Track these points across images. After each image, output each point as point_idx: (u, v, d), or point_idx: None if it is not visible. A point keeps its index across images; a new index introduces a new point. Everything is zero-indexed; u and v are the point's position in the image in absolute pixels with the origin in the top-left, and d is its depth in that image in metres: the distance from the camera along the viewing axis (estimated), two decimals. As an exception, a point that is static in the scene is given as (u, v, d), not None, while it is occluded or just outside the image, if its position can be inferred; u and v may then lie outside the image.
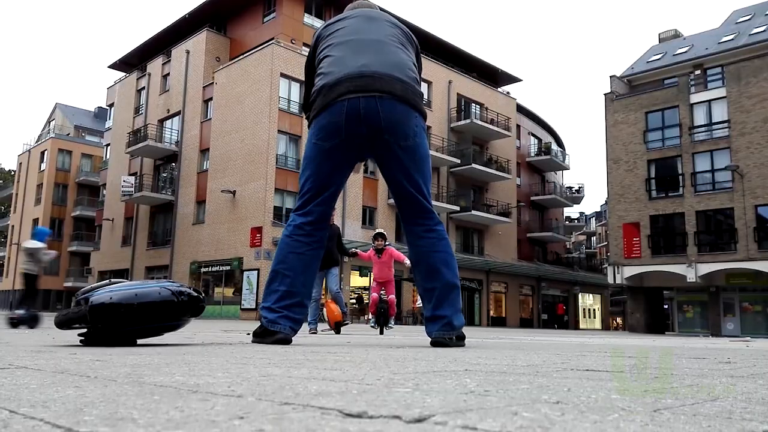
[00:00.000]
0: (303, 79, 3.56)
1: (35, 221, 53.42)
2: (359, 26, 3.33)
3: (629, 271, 31.06)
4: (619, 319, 62.33)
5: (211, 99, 33.80)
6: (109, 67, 43.99)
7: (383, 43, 3.25)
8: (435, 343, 3.15)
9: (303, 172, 3.23)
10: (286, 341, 3.07)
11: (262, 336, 3.09)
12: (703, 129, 30.19)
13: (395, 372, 1.56)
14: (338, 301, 8.08)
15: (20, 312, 9.09)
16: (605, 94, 33.67)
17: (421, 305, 4.10)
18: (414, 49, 3.47)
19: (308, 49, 3.50)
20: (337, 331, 7.81)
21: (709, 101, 30.19)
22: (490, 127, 38.15)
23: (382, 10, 3.63)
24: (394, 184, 3.21)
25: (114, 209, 40.16)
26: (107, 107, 44.96)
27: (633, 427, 0.79)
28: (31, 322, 8.69)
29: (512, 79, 44.36)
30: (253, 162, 29.58)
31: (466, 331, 3.59)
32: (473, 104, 38.95)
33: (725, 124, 29.36)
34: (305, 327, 7.52)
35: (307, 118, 3.42)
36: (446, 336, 3.13)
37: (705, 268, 28.86)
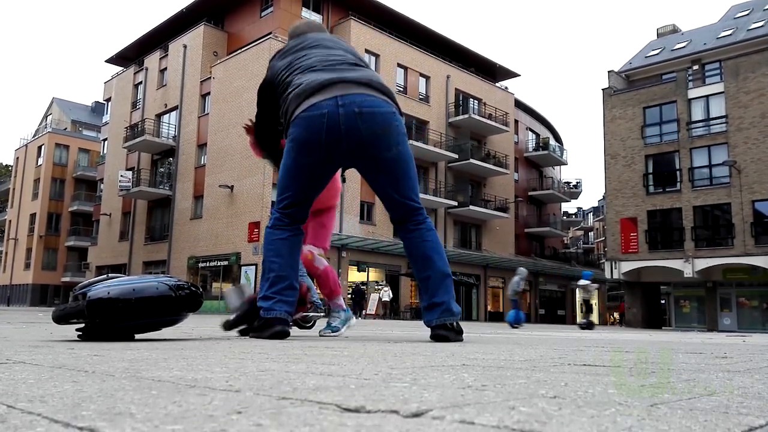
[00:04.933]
0: None
1: (32, 216, 53.33)
2: (320, 53, 3.31)
3: (626, 266, 31.12)
4: (616, 314, 62.48)
5: (208, 94, 33.72)
6: (106, 61, 43.85)
7: (350, 62, 3.27)
8: (436, 332, 3.13)
9: (283, 179, 3.23)
10: (284, 334, 3.07)
11: (260, 330, 3.10)
12: (700, 124, 30.21)
13: (393, 367, 1.56)
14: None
15: (584, 321, 16.18)
16: (603, 90, 33.65)
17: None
18: None
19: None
20: (300, 326, 5.94)
21: (707, 96, 30.20)
22: (488, 122, 38.13)
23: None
24: (381, 193, 3.25)
25: (111, 204, 40.10)
26: (104, 102, 44.83)
27: (630, 421, 0.79)
28: (589, 327, 15.61)
29: (510, 74, 44.30)
30: (251, 157, 29.51)
31: (464, 325, 3.61)
32: (471, 99, 38.91)
33: (723, 120, 29.37)
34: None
35: (260, 144, 3.76)
36: (447, 321, 3.11)
37: (702, 263, 28.93)
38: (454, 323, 3.15)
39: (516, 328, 14.19)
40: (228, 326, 3.78)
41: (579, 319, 17.29)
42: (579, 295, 17.70)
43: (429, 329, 3.22)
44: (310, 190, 3.24)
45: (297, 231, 3.27)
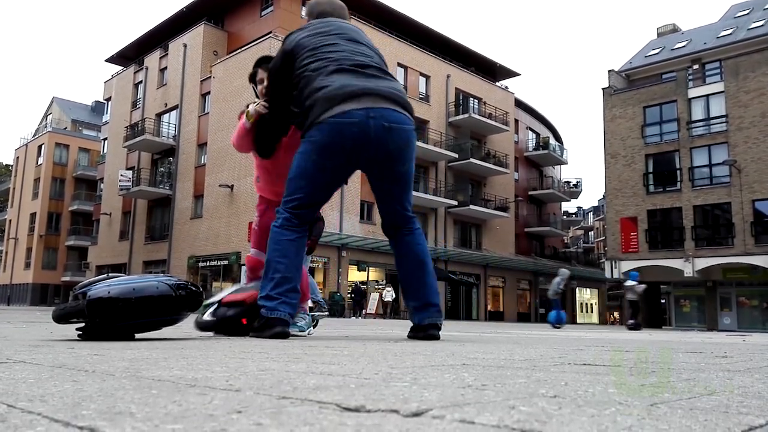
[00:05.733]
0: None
1: (32, 215, 53.34)
2: (347, 47, 3.28)
3: (627, 265, 31.08)
4: (616, 314, 62.52)
5: (208, 93, 33.72)
6: (106, 60, 43.86)
7: (376, 66, 3.29)
8: (429, 332, 3.32)
9: (296, 179, 3.21)
10: (285, 335, 3.07)
11: (260, 330, 3.10)
12: (701, 124, 30.20)
13: (393, 366, 1.56)
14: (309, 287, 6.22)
15: (632, 321, 16.96)
16: (603, 89, 33.64)
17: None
18: None
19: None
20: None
21: (707, 96, 30.18)
22: (488, 121, 38.13)
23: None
24: (385, 200, 3.37)
25: (111, 203, 40.10)
26: (104, 101, 44.85)
27: (630, 420, 0.79)
28: (637, 328, 16.48)
29: (510, 74, 44.30)
30: (251, 156, 29.45)
31: (464, 325, 3.69)
32: (471, 98, 38.90)
33: (723, 119, 29.36)
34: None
35: (260, 133, 3.54)
36: (438, 321, 3.36)
37: (702, 263, 28.92)
38: (440, 324, 3.41)
39: (557, 328, 14.19)
40: (201, 326, 3.71)
41: (627, 320, 18.02)
42: (626, 296, 18.14)
43: (417, 328, 3.38)
44: (324, 192, 3.28)
45: (304, 233, 3.28)
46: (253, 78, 3.83)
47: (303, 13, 33.61)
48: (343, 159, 3.12)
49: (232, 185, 30.35)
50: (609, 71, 34.84)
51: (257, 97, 3.87)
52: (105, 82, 43.74)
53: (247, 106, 3.77)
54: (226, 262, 30.48)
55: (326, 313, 6.92)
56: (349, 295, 30.53)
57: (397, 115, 3.13)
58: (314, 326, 6.21)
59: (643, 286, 18.73)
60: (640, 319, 17.37)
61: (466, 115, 37.06)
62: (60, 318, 2.69)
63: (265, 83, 3.70)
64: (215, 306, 3.69)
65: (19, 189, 56.01)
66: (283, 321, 3.08)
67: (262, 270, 3.38)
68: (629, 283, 18.07)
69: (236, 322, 3.48)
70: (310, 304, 6.36)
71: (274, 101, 3.51)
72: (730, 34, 34.38)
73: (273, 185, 3.86)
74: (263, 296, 3.13)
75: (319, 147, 3.09)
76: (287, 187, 3.26)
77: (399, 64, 34.72)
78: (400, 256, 3.42)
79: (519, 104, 44.13)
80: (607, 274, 32.60)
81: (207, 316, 3.68)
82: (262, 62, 3.82)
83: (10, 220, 56.63)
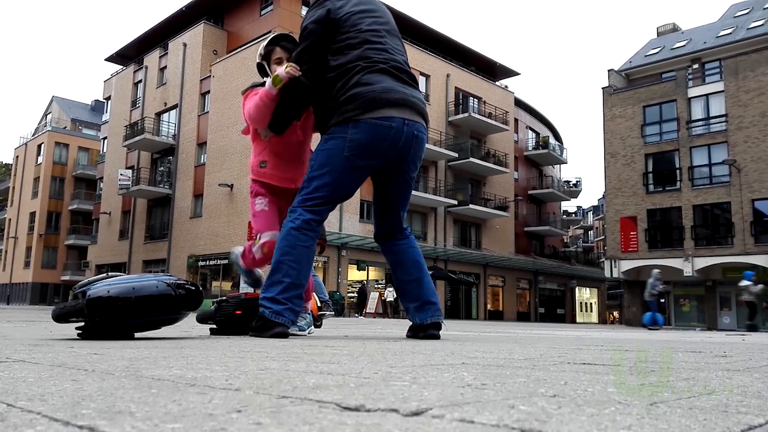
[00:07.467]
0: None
1: (32, 214, 53.33)
2: (390, 44, 3.33)
3: (626, 265, 31.13)
4: (615, 313, 62.54)
5: (208, 92, 33.71)
6: (105, 59, 43.82)
7: (409, 72, 3.37)
8: (430, 331, 3.36)
9: (320, 176, 3.19)
10: (284, 335, 3.07)
11: (260, 330, 3.09)
12: (700, 123, 30.21)
13: (392, 365, 1.56)
14: (316, 288, 6.41)
15: (749, 323, 16.42)
16: (603, 88, 33.64)
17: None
18: None
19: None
20: (317, 325, 6.22)
21: (707, 95, 30.19)
22: (488, 120, 38.12)
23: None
24: (389, 203, 3.47)
25: (111, 203, 40.09)
26: (104, 100, 44.83)
27: (629, 420, 0.79)
28: (754, 329, 15.58)
29: (510, 73, 44.28)
30: (250, 155, 29.52)
31: (464, 324, 3.71)
32: (471, 98, 38.89)
33: (723, 119, 29.37)
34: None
35: (283, 106, 3.27)
36: (440, 320, 3.41)
37: (702, 262, 28.94)
38: (442, 323, 3.46)
39: (653, 330, 13.87)
40: (201, 319, 3.80)
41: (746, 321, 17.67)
42: (742, 297, 17.67)
43: (417, 328, 3.40)
44: (346, 191, 3.29)
45: (317, 239, 3.28)
46: (267, 56, 3.52)
47: (303, 12, 33.61)
48: (374, 160, 3.20)
49: (232, 184, 30.34)
50: (609, 71, 34.85)
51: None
52: (105, 81, 43.72)
53: (263, 65, 3.55)
54: (225, 262, 30.46)
55: (333, 312, 6.99)
56: (350, 295, 30.55)
57: (422, 128, 3.33)
58: (318, 327, 6.25)
59: (760, 286, 17.82)
60: (758, 320, 16.32)
61: (465, 115, 37.05)
62: (60, 317, 2.69)
63: (285, 64, 3.34)
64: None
65: (19, 188, 56.00)
66: (284, 325, 3.08)
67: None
68: (744, 283, 17.36)
69: (232, 315, 3.48)
70: (318, 303, 6.46)
71: (305, 66, 3.23)
72: (730, 33, 34.38)
73: (282, 170, 3.67)
74: (268, 297, 3.10)
75: (355, 145, 3.13)
76: (308, 184, 3.23)
77: (399, 64, 34.68)
78: (397, 259, 3.48)
79: (519, 103, 44.12)
80: (607, 274, 32.61)
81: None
82: (281, 39, 3.52)
83: (10, 219, 56.61)
